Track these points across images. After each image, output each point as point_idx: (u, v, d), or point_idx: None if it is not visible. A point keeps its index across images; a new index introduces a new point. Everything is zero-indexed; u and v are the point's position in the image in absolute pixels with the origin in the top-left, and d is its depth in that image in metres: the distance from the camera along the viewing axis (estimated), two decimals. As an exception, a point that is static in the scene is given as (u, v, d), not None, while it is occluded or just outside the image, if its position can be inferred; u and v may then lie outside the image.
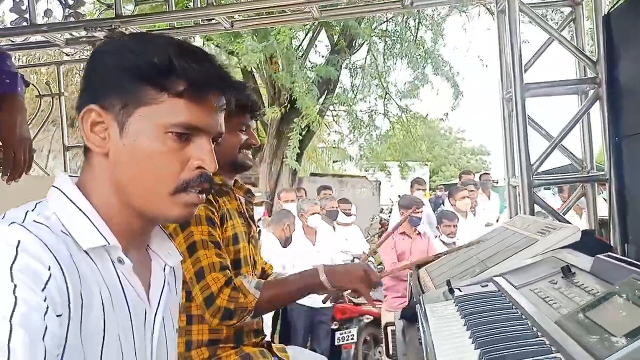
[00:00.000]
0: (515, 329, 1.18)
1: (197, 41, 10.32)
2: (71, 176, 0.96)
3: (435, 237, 5.57)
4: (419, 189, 7.56)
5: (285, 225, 5.25)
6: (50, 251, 0.79)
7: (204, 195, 0.96)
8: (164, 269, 1.05)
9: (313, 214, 5.34)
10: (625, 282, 1.12)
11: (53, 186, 0.93)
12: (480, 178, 8.63)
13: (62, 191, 0.92)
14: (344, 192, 10.96)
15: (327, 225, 5.91)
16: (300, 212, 5.46)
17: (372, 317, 5.39)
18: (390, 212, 10.81)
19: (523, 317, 1.26)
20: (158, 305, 1.00)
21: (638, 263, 1.22)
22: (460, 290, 1.63)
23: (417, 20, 10.16)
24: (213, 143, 0.97)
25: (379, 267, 5.51)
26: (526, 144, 2.63)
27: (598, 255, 1.38)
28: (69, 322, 0.79)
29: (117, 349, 0.88)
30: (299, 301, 4.79)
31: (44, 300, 0.74)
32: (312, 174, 13.56)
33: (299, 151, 8.62)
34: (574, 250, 1.70)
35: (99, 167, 0.93)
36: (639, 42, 2.35)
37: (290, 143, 8.46)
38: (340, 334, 5.26)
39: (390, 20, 10.42)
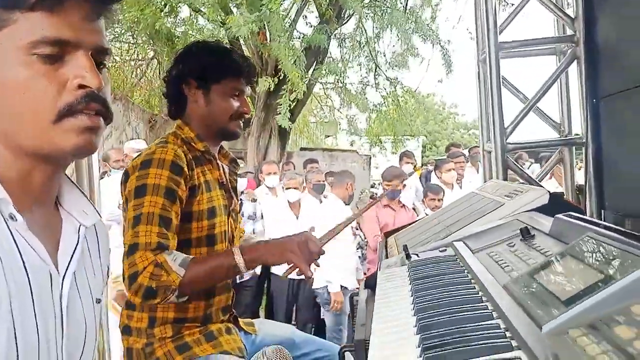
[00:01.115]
0: (460, 294, 1.10)
1: (185, 11, 10.15)
2: None
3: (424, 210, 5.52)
4: (408, 162, 7.47)
5: (348, 184, 5.21)
6: None
7: (100, 119, 0.84)
8: (79, 229, 0.94)
9: (289, 188, 5.26)
10: (578, 241, 1.03)
11: None
12: (469, 151, 8.53)
13: None
14: (335, 166, 10.80)
15: (314, 198, 5.82)
16: (283, 186, 5.39)
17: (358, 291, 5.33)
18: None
19: (472, 281, 1.17)
20: (67, 269, 0.90)
21: (597, 221, 1.13)
22: (418, 256, 1.55)
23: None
24: (100, 66, 0.84)
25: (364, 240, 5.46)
26: (500, 106, 2.52)
27: (557, 215, 1.29)
28: None
29: (7, 319, 0.78)
30: (276, 273, 4.76)
31: None
32: (302, 149, 13.39)
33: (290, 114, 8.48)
34: (540, 213, 1.61)
35: None
36: (618, -2, 2.23)
37: (279, 109, 8.32)
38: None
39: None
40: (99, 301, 1.01)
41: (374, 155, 13.44)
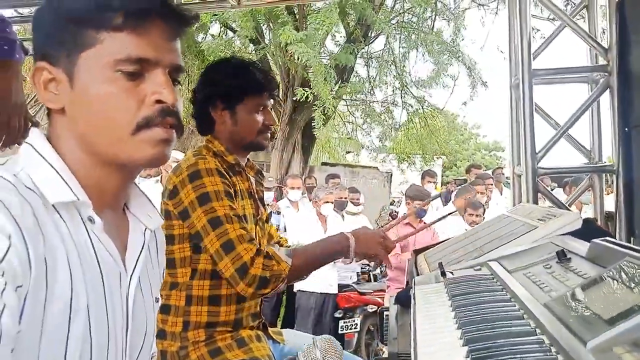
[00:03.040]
0: (501, 310, 1.14)
1: (215, 27, 10.31)
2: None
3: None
4: (430, 182, 7.51)
5: (467, 198, 5.37)
6: (12, 216, 0.75)
7: (174, 133, 0.91)
8: (144, 232, 1.01)
9: (327, 202, 5.30)
10: (617, 265, 1.07)
11: (25, 142, 0.90)
12: (493, 172, 8.52)
13: (32, 146, 0.89)
14: (355, 182, 10.90)
15: (336, 214, 5.87)
16: (314, 199, 5.43)
17: (376, 307, 5.36)
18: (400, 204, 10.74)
19: (511, 299, 1.21)
20: (134, 269, 0.96)
21: (634, 247, 1.17)
22: (452, 274, 1.59)
23: (434, 12, 10.07)
24: (175, 84, 0.92)
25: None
26: (532, 131, 2.56)
27: (594, 240, 1.33)
28: (27, 292, 0.75)
29: (84, 315, 0.84)
30: (303, 288, 4.83)
31: (2, 276, 0.70)
32: (324, 163, 13.50)
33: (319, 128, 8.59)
34: (573, 237, 1.65)
35: (59, 124, 0.90)
36: (653, 29, 2.27)
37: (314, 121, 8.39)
38: (344, 323, 5.24)
39: (407, 11, 10.33)
40: (157, 300, 1.07)
41: (402, 171, 13.47)
